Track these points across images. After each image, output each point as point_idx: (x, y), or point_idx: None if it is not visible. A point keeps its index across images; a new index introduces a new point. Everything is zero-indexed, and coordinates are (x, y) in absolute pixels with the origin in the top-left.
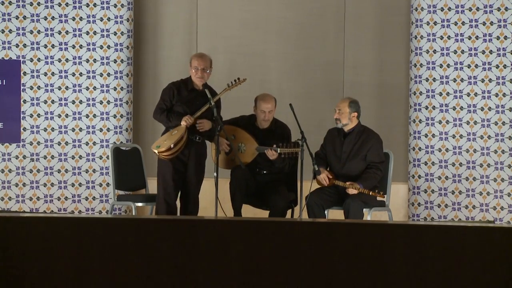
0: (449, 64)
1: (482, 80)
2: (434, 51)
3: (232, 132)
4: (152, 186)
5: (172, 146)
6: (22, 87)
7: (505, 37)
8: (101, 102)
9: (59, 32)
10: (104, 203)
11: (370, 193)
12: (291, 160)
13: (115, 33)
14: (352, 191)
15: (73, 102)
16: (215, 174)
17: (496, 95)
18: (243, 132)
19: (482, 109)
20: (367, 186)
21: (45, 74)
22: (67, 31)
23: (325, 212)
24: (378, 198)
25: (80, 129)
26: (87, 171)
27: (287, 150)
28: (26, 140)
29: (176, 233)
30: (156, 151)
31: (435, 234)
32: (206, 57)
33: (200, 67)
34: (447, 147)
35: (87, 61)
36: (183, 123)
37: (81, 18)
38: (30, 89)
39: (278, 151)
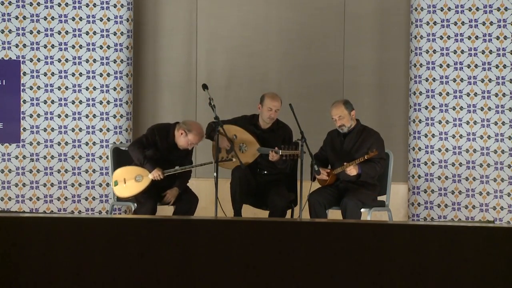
0: (448, 64)
1: (482, 80)
2: (434, 51)
3: (234, 132)
4: None
5: (129, 196)
6: (22, 87)
7: (505, 37)
8: (100, 102)
9: (59, 32)
10: (104, 203)
11: (366, 157)
12: (292, 162)
13: (114, 33)
14: (351, 170)
15: (73, 102)
16: (215, 174)
17: (496, 95)
18: (245, 133)
19: (482, 109)
20: (365, 172)
21: (45, 74)
22: (67, 31)
23: (326, 211)
24: (374, 185)
25: (80, 129)
26: (87, 171)
27: (288, 152)
28: (26, 140)
29: (176, 233)
30: (112, 188)
31: (435, 234)
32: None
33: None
34: (447, 147)
35: (87, 61)
36: (151, 176)
37: (80, 18)
38: (30, 89)
39: (280, 153)
